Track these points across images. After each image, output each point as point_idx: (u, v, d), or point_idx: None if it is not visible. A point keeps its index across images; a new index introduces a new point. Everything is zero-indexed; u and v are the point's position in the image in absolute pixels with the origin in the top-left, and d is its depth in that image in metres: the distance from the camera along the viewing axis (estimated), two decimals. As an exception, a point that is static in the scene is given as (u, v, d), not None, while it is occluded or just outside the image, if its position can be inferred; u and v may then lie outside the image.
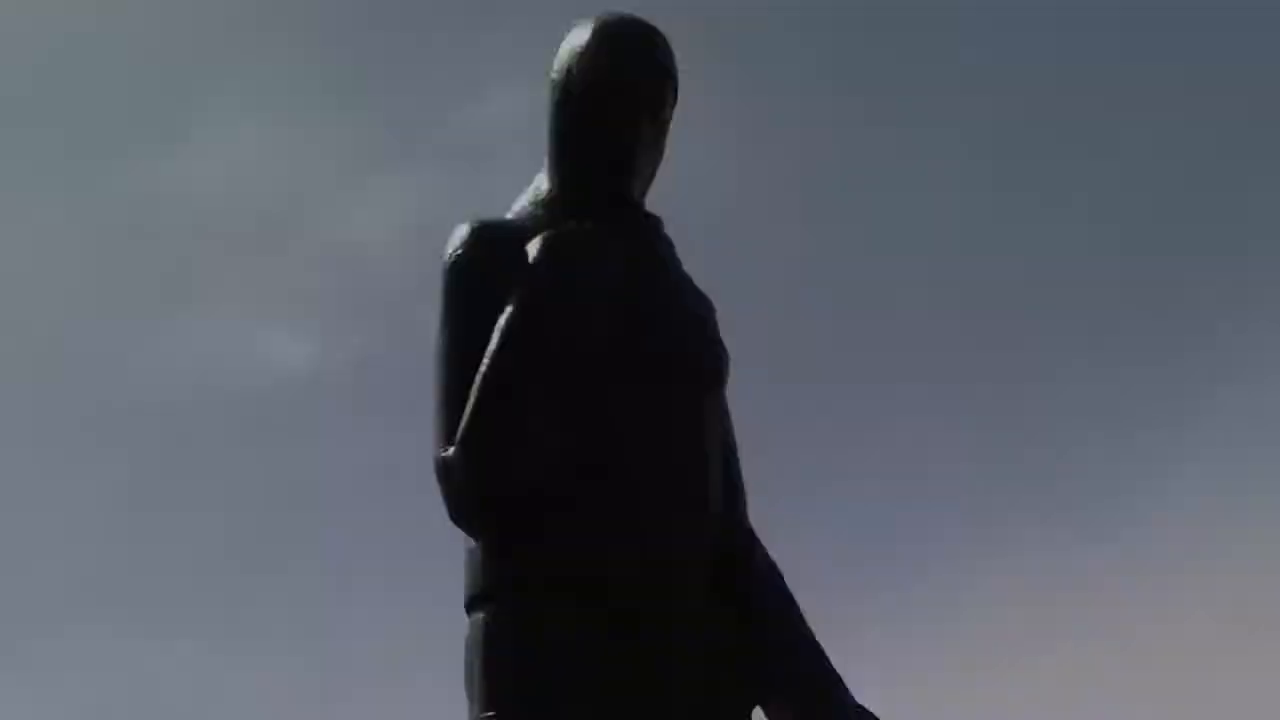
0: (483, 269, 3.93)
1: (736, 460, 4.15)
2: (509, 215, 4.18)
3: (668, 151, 4.26)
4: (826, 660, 3.92)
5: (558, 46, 4.22)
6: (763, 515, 4.21)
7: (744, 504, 4.13)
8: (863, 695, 3.93)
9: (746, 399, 4.31)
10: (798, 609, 3.98)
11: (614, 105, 4.14)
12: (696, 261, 4.28)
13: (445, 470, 3.79)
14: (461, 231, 4.05)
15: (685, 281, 4.17)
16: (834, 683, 3.88)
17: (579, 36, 4.19)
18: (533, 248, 3.84)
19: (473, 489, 3.73)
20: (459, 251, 3.99)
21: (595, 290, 3.80)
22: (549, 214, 4.10)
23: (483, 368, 3.73)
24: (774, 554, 4.09)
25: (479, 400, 3.74)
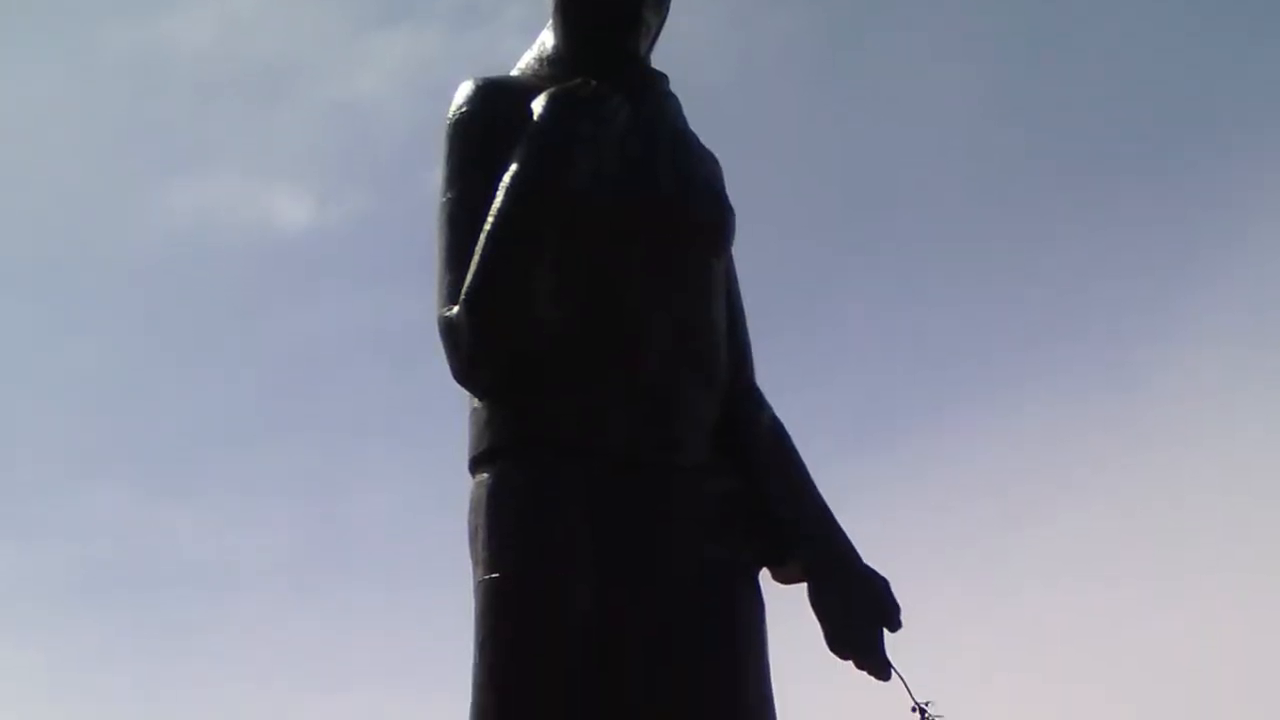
0: (486, 126, 3.91)
1: (743, 320, 4.15)
2: (513, 73, 4.15)
3: (672, 10, 4.22)
4: (832, 518, 3.95)
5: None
6: (768, 375, 4.22)
7: (750, 364, 4.13)
8: (868, 555, 3.96)
9: (751, 257, 4.30)
10: (803, 468, 3.99)
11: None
12: (700, 121, 4.26)
13: (449, 329, 3.78)
14: (465, 89, 4.01)
15: (690, 137, 4.14)
16: (839, 540, 3.91)
17: None
18: (537, 104, 3.81)
19: (477, 348, 3.74)
20: (462, 109, 3.96)
21: (600, 145, 3.78)
22: (553, 71, 4.06)
23: (487, 225, 3.72)
24: (780, 413, 4.10)
25: (483, 258, 3.72)
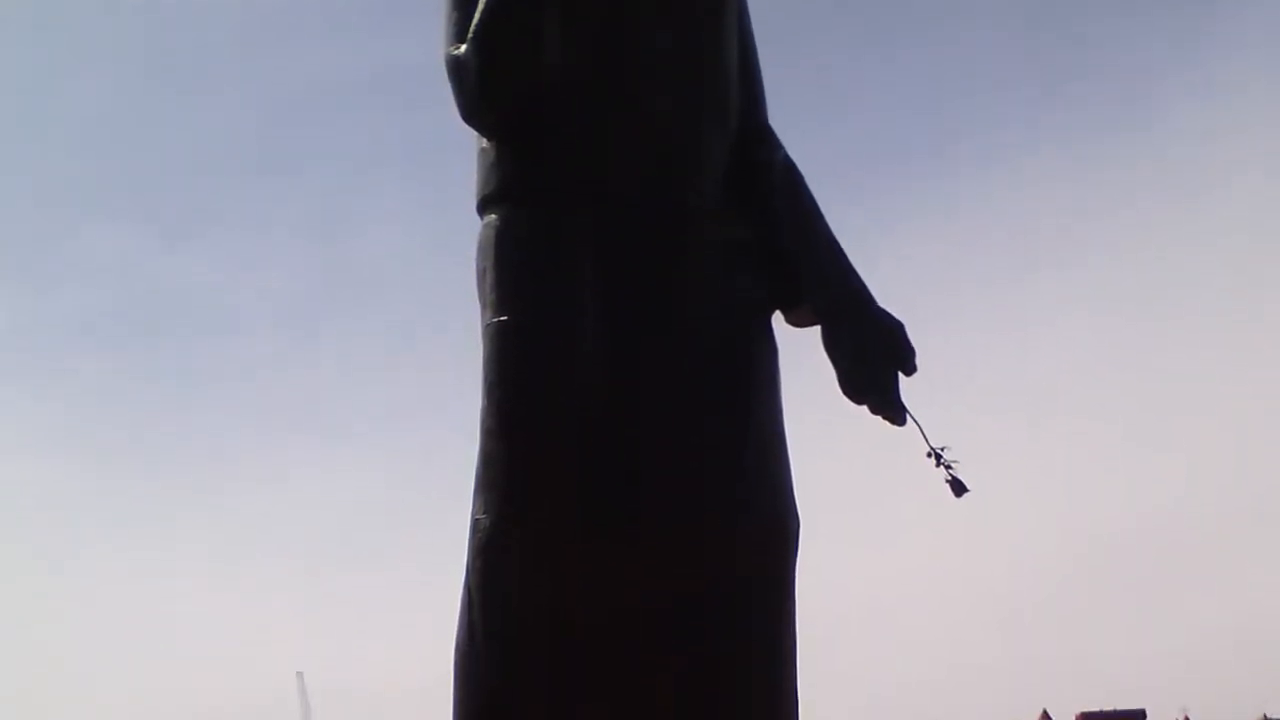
0: None
1: (755, 59, 4.09)
2: None
3: None
4: (846, 260, 3.93)
5: None
6: (780, 113, 4.17)
7: (762, 105, 4.08)
8: (882, 298, 3.95)
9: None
10: (816, 210, 3.97)
11: None
12: None
13: (456, 67, 3.74)
14: None
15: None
16: (853, 282, 3.91)
17: None
18: None
19: (483, 85, 3.70)
20: None
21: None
22: None
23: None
24: (792, 153, 4.07)
25: (490, -3, 3.67)
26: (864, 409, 3.82)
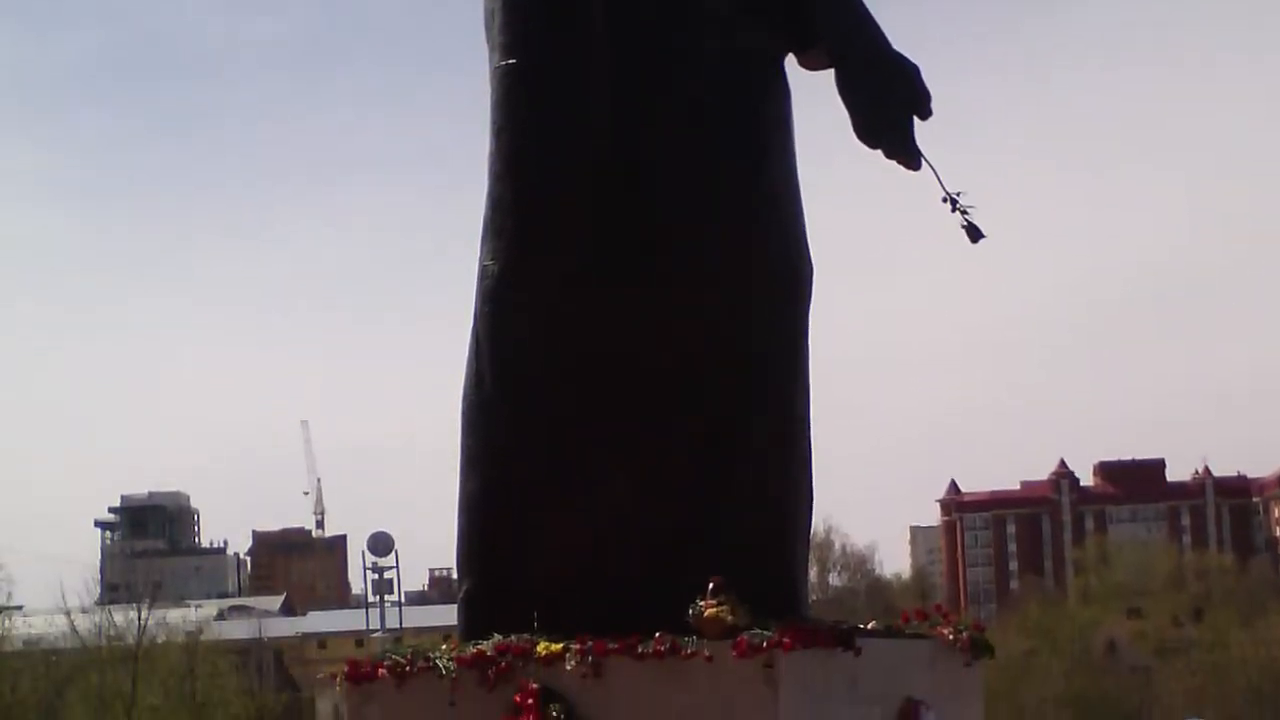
0: None
1: None
2: None
3: None
4: (861, 4, 3.92)
5: None
6: None
7: None
8: (897, 40, 3.95)
9: None
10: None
11: None
12: None
13: None
14: None
15: None
16: (868, 25, 3.90)
17: None
18: None
19: None
20: None
21: None
22: None
23: None
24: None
25: None
26: (879, 153, 3.83)
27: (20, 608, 69.98)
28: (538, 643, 14.12)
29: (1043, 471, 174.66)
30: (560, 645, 13.93)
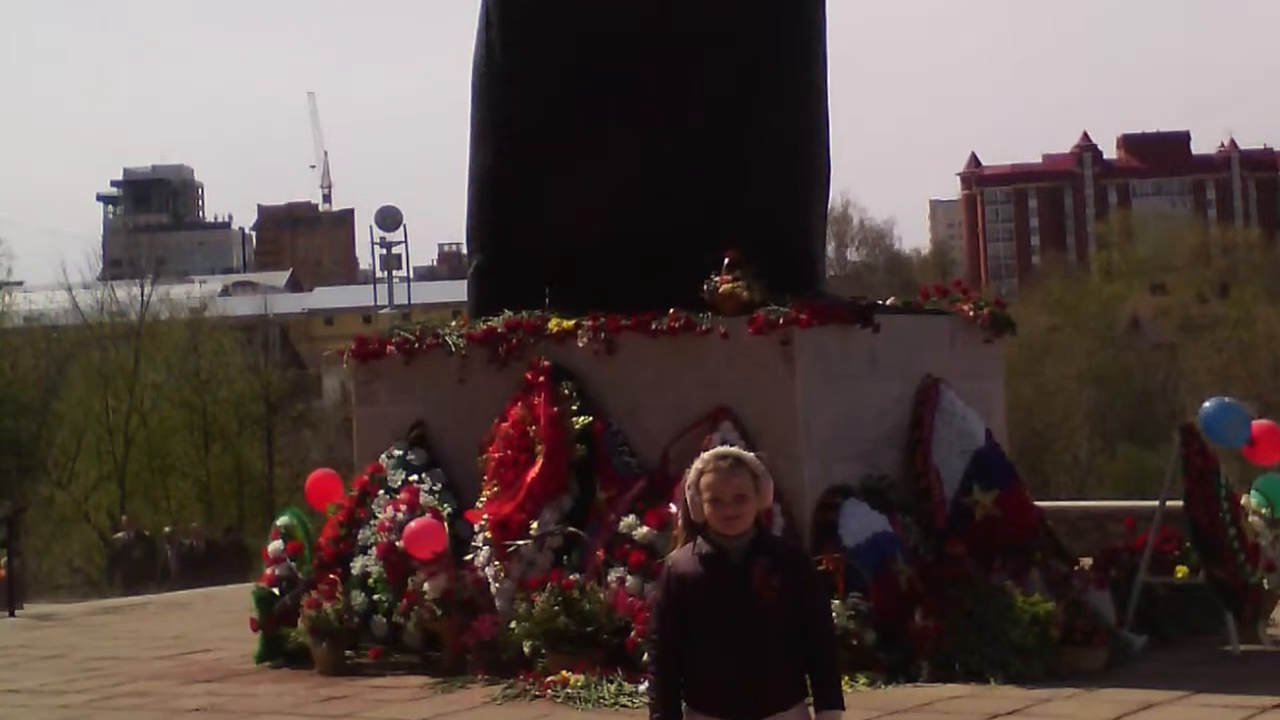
0: None
1: None
2: None
3: None
4: None
5: None
6: None
7: None
8: None
9: None
10: None
11: None
12: None
13: None
14: None
15: None
16: None
17: None
18: None
19: None
20: None
21: None
22: None
23: None
24: None
25: None
26: None
27: (21, 283, 70.47)
28: (549, 319, 14.21)
29: (1065, 144, 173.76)
30: (572, 321, 14.03)
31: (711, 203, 14.07)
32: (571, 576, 12.41)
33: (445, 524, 13.34)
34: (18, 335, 59.49)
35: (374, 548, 13.63)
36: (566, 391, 13.52)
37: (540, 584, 12.43)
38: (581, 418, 13.40)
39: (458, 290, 23.27)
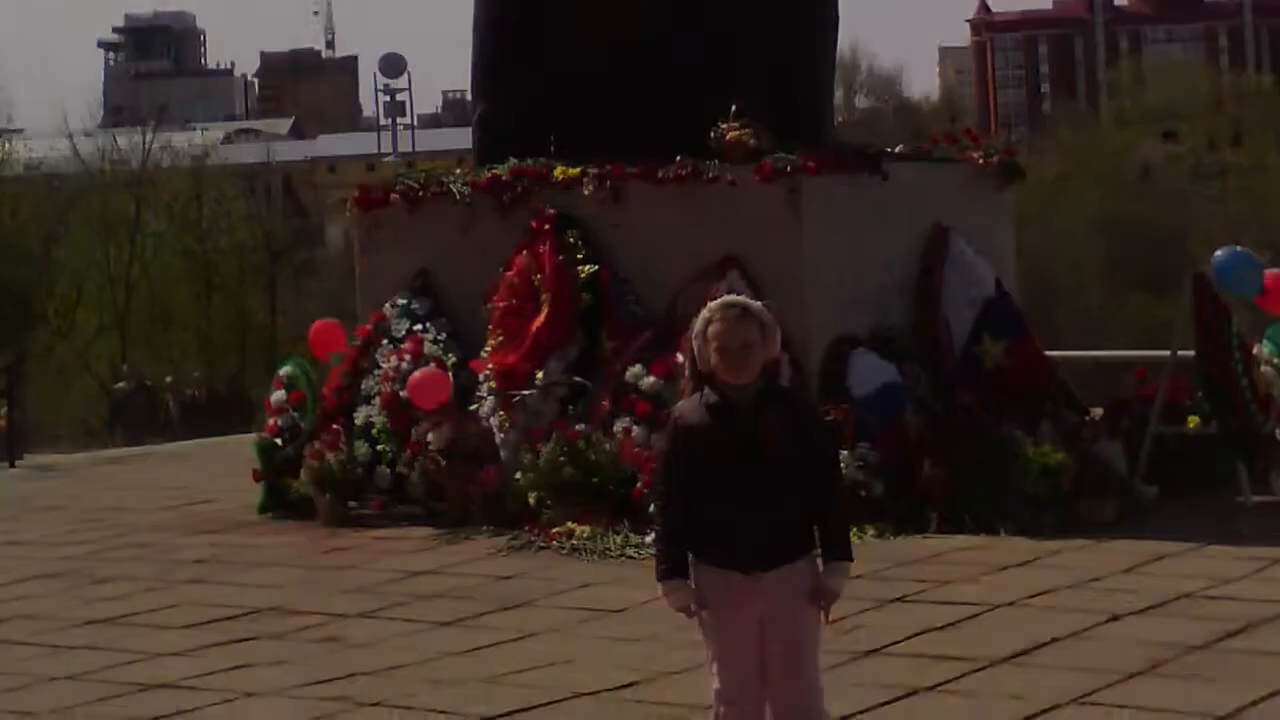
0: None
1: None
2: None
3: None
4: None
5: None
6: None
7: None
8: None
9: None
10: None
11: None
12: None
13: None
14: None
15: None
16: None
17: None
18: None
19: None
20: None
21: None
22: None
23: None
24: None
25: None
26: None
27: (21, 130, 70.05)
28: (555, 167, 14.07)
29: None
30: (578, 169, 13.89)
31: (718, 51, 13.86)
32: (577, 427, 12.38)
33: (450, 374, 13.31)
34: (18, 183, 59.19)
35: (378, 398, 13.60)
36: (572, 240, 13.41)
37: (545, 434, 12.40)
38: (587, 266, 13.30)
39: (462, 138, 23.08)
